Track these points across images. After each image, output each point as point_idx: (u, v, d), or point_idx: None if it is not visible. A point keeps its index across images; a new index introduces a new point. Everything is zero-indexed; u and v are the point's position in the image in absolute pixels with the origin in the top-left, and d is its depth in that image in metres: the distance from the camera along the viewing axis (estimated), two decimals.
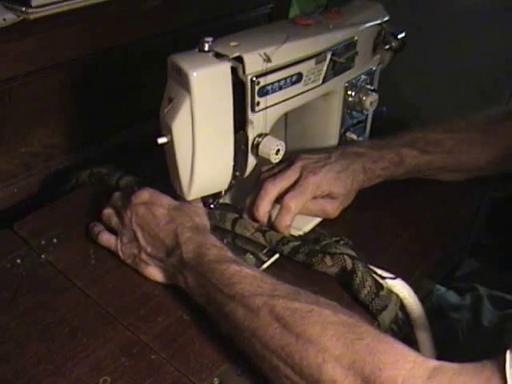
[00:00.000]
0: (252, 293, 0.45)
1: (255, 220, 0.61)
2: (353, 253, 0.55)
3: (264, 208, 0.60)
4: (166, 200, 0.57)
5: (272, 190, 0.60)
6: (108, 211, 0.61)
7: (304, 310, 0.43)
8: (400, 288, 0.54)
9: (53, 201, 0.68)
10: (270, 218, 0.61)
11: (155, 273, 0.56)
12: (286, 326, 0.43)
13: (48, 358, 0.48)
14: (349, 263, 0.54)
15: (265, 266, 0.58)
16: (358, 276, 0.53)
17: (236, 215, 0.61)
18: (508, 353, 0.35)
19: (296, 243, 0.58)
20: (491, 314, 0.74)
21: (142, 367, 0.47)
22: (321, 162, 0.62)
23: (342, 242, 0.57)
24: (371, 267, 0.54)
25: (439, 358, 0.40)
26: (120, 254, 0.58)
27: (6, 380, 0.46)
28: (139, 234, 0.55)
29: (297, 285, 0.49)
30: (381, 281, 0.54)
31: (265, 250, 0.59)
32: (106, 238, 0.59)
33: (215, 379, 0.46)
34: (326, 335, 0.41)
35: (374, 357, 0.39)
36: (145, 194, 0.57)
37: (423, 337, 0.55)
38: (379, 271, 0.54)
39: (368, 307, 0.52)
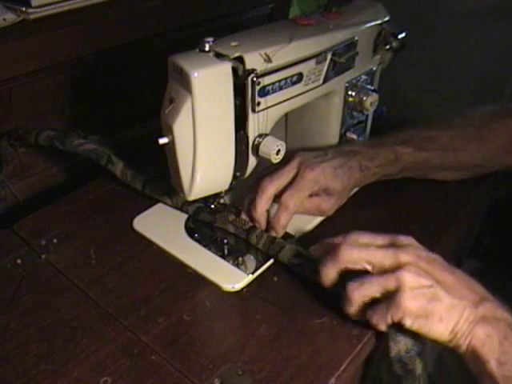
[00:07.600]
0: None
1: (253, 220, 0.60)
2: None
3: (262, 207, 0.59)
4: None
5: (269, 188, 0.59)
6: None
7: None
8: None
9: (53, 201, 0.68)
10: (268, 217, 0.60)
11: None
12: None
13: (48, 359, 0.48)
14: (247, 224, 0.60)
15: (261, 269, 0.57)
16: (256, 233, 0.59)
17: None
18: None
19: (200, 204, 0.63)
20: None
21: (143, 368, 0.47)
22: (318, 158, 0.62)
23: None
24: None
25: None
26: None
27: (6, 380, 0.46)
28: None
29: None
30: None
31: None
32: None
33: (216, 380, 0.46)
34: None
35: None
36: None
37: None
38: None
39: (268, 255, 0.58)
